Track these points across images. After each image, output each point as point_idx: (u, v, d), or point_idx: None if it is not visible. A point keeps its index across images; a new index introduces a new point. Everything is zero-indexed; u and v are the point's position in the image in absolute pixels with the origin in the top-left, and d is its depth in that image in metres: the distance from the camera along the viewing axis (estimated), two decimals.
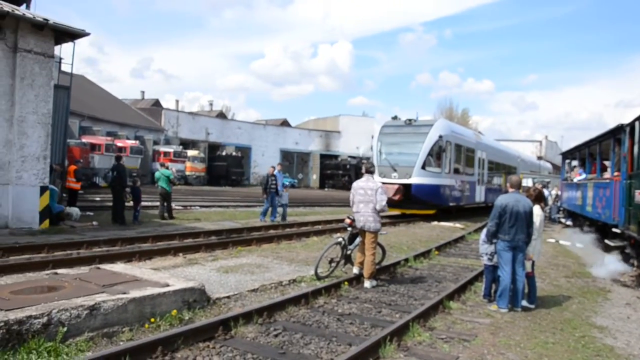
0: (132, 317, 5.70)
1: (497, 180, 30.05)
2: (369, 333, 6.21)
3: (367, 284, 8.80)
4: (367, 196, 8.87)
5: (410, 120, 22.19)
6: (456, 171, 22.82)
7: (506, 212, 7.51)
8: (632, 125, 10.85)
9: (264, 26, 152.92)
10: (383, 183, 19.04)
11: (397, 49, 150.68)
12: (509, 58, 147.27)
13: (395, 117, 23.56)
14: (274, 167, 18.55)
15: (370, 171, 9.29)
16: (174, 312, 6.08)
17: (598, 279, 10.76)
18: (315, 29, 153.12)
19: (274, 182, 17.69)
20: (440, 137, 21.06)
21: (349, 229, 9.40)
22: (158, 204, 17.92)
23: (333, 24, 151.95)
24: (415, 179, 20.39)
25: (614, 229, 12.16)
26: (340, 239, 9.39)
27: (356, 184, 9.17)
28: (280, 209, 18.42)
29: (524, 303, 7.78)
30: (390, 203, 19.38)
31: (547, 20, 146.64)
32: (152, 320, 5.83)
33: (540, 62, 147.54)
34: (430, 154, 20.88)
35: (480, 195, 26.49)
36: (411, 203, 20.83)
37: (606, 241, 12.96)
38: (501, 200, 7.70)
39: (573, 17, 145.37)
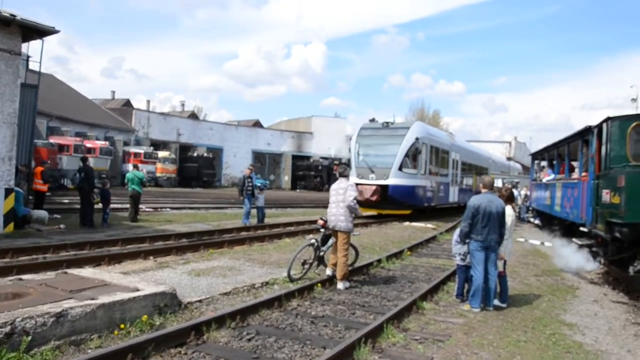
0: (101, 324, 5.55)
1: (470, 181, 30.81)
2: (343, 335, 6.18)
3: (340, 285, 8.77)
4: (339, 195, 8.95)
5: (387, 122, 22.59)
6: (431, 172, 23.31)
7: (479, 213, 7.58)
8: (599, 127, 11.07)
9: (238, 26, 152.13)
10: (361, 184, 20.00)
11: (370, 50, 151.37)
12: (480, 60, 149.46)
13: (372, 120, 23.92)
14: (250, 169, 18.36)
15: (344, 175, 9.30)
16: (145, 317, 5.93)
17: (566, 277, 10.96)
18: (289, 29, 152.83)
19: (250, 183, 17.54)
20: (417, 139, 21.58)
21: (322, 230, 9.35)
22: (128, 206, 17.59)
23: (307, 24, 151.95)
24: (392, 180, 20.82)
25: (581, 228, 12.39)
26: (313, 241, 9.35)
27: (331, 187, 9.24)
28: (254, 211, 18.23)
29: (496, 302, 7.86)
30: (368, 204, 20.93)
31: (517, 24, 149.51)
32: (122, 326, 5.68)
33: (510, 65, 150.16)
34: (406, 155, 21.31)
35: (453, 196, 27.08)
36: (388, 203, 21.19)
37: (574, 240, 13.20)
38: (474, 201, 7.76)
39: (543, 21, 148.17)
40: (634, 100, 38.54)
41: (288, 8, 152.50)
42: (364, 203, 20.35)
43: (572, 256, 12.25)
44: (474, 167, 31.98)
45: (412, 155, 21.60)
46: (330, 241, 9.31)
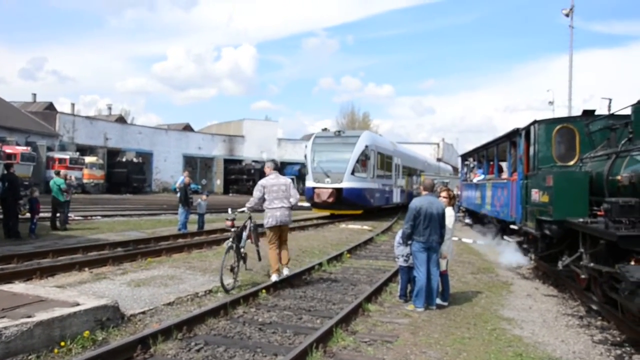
0: (39, 343, 5.25)
1: (410, 183, 33.53)
2: (293, 341, 6.16)
3: (285, 271, 9.16)
4: (282, 192, 9.10)
5: (339, 132, 25.60)
6: (379, 176, 25.52)
7: (420, 215, 7.77)
8: (527, 129, 11.64)
9: (167, 28, 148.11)
10: (318, 188, 22.31)
11: (300, 53, 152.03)
12: (408, 64, 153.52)
13: (325, 129, 26.82)
14: (189, 177, 17.88)
15: (277, 168, 9.55)
16: (86, 333, 5.67)
17: (500, 273, 11.43)
18: (219, 32, 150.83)
19: (190, 191, 17.19)
20: (366, 146, 23.85)
21: (233, 229, 9.23)
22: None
23: (237, 27, 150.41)
24: (346, 184, 22.90)
25: (511, 226, 12.96)
26: (230, 244, 9.11)
27: (266, 182, 9.18)
28: (192, 217, 17.81)
29: (439, 301, 8.08)
30: (324, 205, 23.51)
31: (444, 29, 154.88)
32: (62, 344, 5.40)
33: (438, 68, 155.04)
34: (357, 161, 23.43)
35: (396, 197, 29.59)
36: (342, 205, 23.22)
37: (505, 237, 13.80)
38: (415, 203, 7.95)
39: (467, 27, 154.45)
40: (550, 103, 41.07)
41: (218, 10, 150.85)
42: (320, 204, 23.53)
43: (505, 253, 12.80)
44: (413, 169, 35.05)
45: (362, 161, 23.63)
46: (245, 234, 9.32)
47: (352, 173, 23.07)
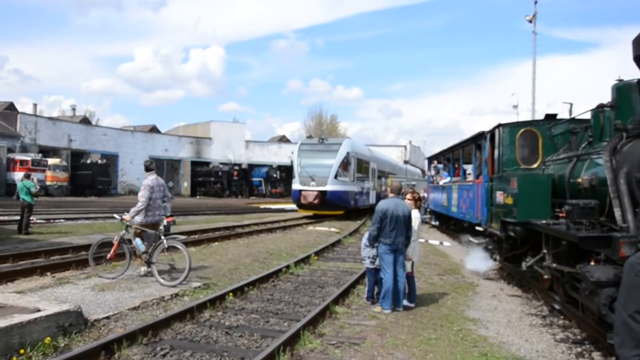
0: None
1: (384, 185, 35.59)
2: (260, 344, 6.12)
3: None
4: (161, 192, 10.09)
5: (322, 139, 27.95)
6: (358, 179, 28.05)
7: (387, 217, 7.82)
8: (492, 132, 11.84)
9: (134, 28, 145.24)
10: (304, 190, 24.76)
11: (269, 55, 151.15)
12: (376, 67, 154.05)
13: (309, 136, 30.98)
14: None
15: (151, 169, 10.29)
16: (48, 339, 5.51)
17: (466, 274, 11.59)
18: (188, 33, 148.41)
19: None
20: (348, 153, 26.31)
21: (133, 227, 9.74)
22: (17, 218, 16.29)
23: (206, 28, 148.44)
24: (330, 187, 25.13)
25: (477, 228, 13.16)
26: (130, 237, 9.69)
27: (152, 182, 9.86)
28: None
29: (405, 302, 8.14)
30: (310, 206, 25.79)
31: (413, 33, 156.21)
32: (22, 351, 5.24)
33: (405, 72, 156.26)
34: (340, 166, 25.68)
35: (372, 198, 31.93)
36: (325, 206, 25.36)
37: (470, 239, 13.99)
38: (382, 205, 8.01)
39: (437, 31, 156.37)
40: (515, 107, 41.81)
41: (186, 11, 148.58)
42: (306, 205, 25.71)
43: (470, 255, 12.97)
44: (386, 173, 38.09)
45: (344, 165, 25.99)
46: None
47: (335, 177, 25.27)
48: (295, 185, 26.02)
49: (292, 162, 27.79)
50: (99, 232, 17.36)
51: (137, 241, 9.56)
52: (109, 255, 9.70)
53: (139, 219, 9.71)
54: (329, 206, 25.46)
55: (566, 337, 6.91)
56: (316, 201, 24.94)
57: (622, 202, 6.23)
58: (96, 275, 9.39)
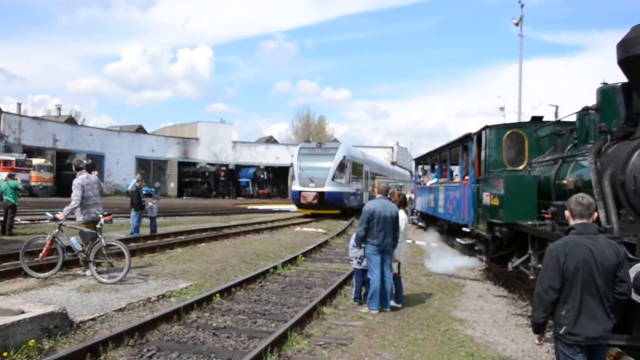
0: None
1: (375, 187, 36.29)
2: (248, 346, 6.11)
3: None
4: (95, 190, 10.07)
5: (320, 143, 30.75)
6: (353, 180, 30.15)
7: (374, 217, 7.84)
8: (479, 134, 11.92)
9: (121, 28, 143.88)
10: (304, 191, 26.60)
11: (258, 56, 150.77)
12: (364, 68, 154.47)
13: (307, 141, 33.53)
14: (141, 179, 17.46)
15: (80, 167, 10.22)
16: (32, 342, 5.44)
17: (453, 275, 11.64)
18: (175, 33, 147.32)
19: (143, 194, 16.81)
20: (344, 156, 28.42)
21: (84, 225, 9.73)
22: (1, 219, 16.08)
23: (193, 29, 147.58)
24: (328, 188, 27.08)
25: (464, 228, 13.23)
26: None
27: (82, 181, 9.78)
28: (144, 221, 17.41)
29: (392, 303, 8.17)
30: (309, 206, 27.69)
31: (400, 35, 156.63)
32: (5, 354, 5.17)
33: (393, 74, 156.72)
34: (337, 169, 27.67)
35: (365, 199, 32.82)
36: (323, 206, 27.26)
37: (457, 240, 14.06)
38: (369, 206, 8.03)
39: (425, 33, 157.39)
40: (501, 109, 42.41)
41: (174, 11, 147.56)
42: (306, 205, 27.54)
43: (456, 255, 13.03)
44: (377, 175, 40.31)
45: (341, 168, 27.95)
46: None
47: (333, 179, 27.29)
48: (295, 187, 27.86)
49: (291, 164, 29.87)
50: None
51: (73, 240, 9.53)
52: (41, 255, 9.62)
53: (79, 218, 9.80)
54: (327, 206, 27.39)
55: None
56: (315, 201, 26.88)
57: (607, 204, 6.30)
58: (28, 276, 9.38)
